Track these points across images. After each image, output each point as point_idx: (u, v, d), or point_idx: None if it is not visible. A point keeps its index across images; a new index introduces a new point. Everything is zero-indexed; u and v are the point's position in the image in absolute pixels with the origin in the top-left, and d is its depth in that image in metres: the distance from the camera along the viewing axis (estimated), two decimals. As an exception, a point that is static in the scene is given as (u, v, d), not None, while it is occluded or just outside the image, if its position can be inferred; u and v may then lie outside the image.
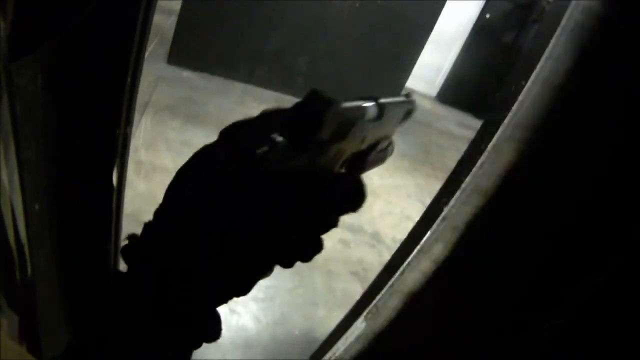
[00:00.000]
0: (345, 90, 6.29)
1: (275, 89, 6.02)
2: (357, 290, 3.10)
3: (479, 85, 9.51)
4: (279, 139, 0.32)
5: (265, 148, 0.32)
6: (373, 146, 0.48)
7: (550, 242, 0.56)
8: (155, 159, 3.54)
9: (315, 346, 1.99)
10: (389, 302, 0.85)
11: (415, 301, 0.68)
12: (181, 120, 4.26)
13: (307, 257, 0.40)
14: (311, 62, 6.06)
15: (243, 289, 0.39)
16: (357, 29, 5.94)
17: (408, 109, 0.53)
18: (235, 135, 0.38)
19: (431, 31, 6.52)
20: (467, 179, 1.01)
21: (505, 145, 0.72)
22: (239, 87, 5.70)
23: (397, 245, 1.90)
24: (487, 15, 8.85)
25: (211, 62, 5.57)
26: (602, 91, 0.48)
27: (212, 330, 0.40)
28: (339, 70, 6.19)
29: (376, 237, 3.79)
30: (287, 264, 0.40)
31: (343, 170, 0.45)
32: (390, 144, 0.51)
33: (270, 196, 0.35)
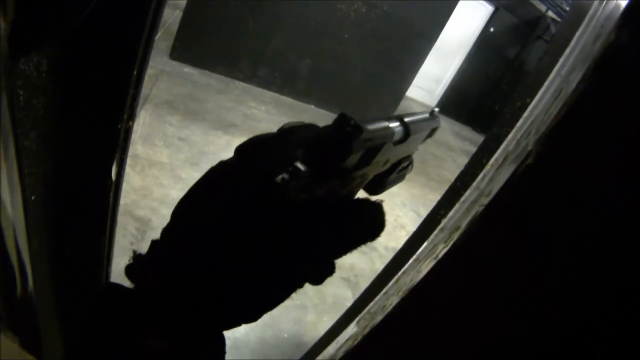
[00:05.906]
0: (346, 95, 6.30)
1: (276, 91, 6.03)
2: (347, 296, 3.09)
3: (479, 98, 9.58)
4: (302, 167, 0.31)
5: (285, 175, 0.30)
6: (395, 166, 0.45)
7: (551, 258, 0.55)
8: (152, 153, 3.52)
9: (304, 350, 1.99)
10: (383, 305, 0.85)
11: (408, 302, 0.68)
12: (180, 116, 4.25)
13: (319, 281, 0.38)
14: (313, 64, 6.07)
15: (251, 316, 0.36)
16: (362, 34, 5.95)
17: (432, 127, 0.49)
18: (253, 155, 0.35)
19: (435, 41, 6.55)
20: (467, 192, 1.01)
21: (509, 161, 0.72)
22: (239, 86, 5.70)
23: (390, 253, 1.89)
24: (492, 29, 8.91)
25: (213, 60, 5.57)
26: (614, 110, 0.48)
27: (216, 353, 0.38)
28: (341, 75, 6.20)
29: (369, 244, 3.80)
30: (298, 285, 0.37)
31: (362, 191, 0.43)
32: (411, 162, 0.49)
33: (286, 221, 0.33)
